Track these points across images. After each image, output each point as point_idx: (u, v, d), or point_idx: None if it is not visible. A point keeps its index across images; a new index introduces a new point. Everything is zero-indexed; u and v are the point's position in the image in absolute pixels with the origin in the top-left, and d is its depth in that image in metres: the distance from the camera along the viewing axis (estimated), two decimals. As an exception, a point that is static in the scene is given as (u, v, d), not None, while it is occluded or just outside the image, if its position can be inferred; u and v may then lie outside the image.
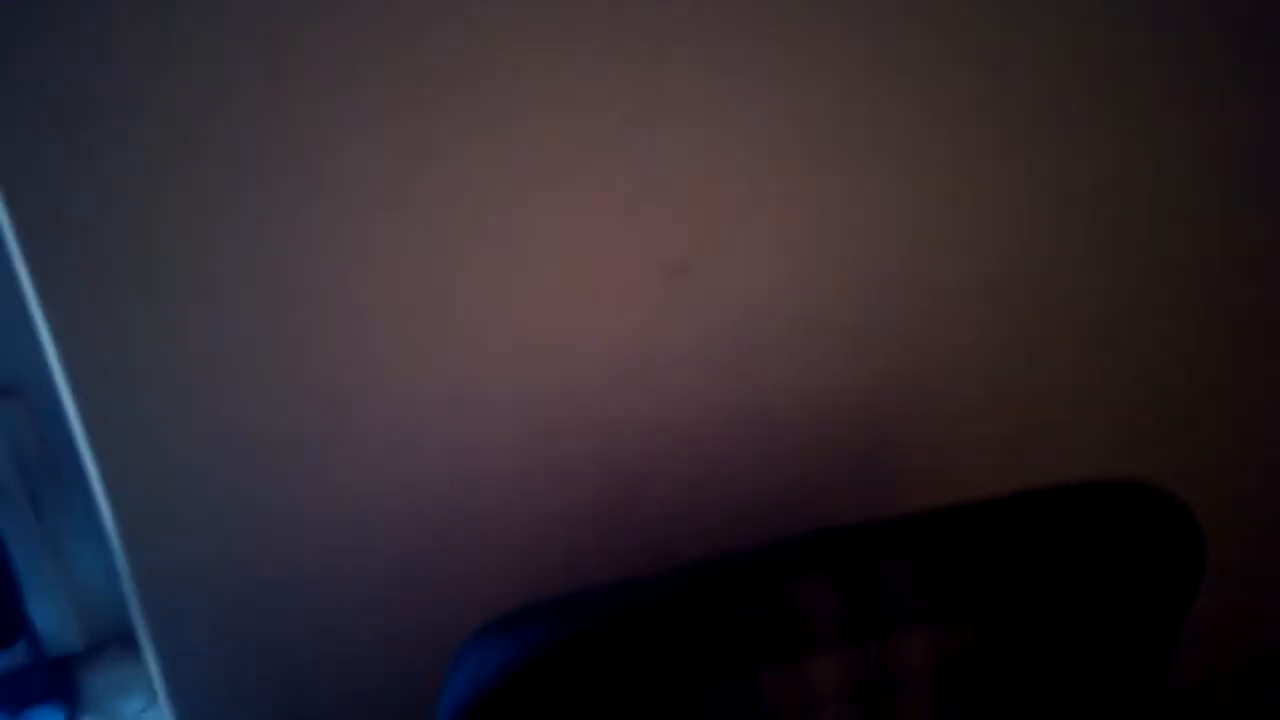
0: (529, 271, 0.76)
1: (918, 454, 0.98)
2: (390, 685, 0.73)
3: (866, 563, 0.71)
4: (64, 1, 0.58)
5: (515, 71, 0.69)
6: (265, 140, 0.65)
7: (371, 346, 0.75)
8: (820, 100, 0.78)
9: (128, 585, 0.78)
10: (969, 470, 1.00)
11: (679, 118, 0.74)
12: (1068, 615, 0.77)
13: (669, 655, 0.65)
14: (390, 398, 0.77)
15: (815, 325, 0.86)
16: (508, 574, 0.83)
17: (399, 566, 0.82)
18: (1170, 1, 0.86)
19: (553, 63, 0.69)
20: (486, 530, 0.83)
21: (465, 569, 0.83)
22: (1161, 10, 0.86)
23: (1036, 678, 0.76)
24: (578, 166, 0.73)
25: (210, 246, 0.67)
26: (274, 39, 0.62)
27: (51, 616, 0.88)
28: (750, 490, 0.90)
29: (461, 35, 0.66)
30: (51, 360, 0.70)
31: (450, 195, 0.71)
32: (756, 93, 0.76)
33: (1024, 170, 0.88)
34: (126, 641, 0.95)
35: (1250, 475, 1.17)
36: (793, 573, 0.69)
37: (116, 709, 0.86)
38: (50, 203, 0.63)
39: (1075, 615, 0.77)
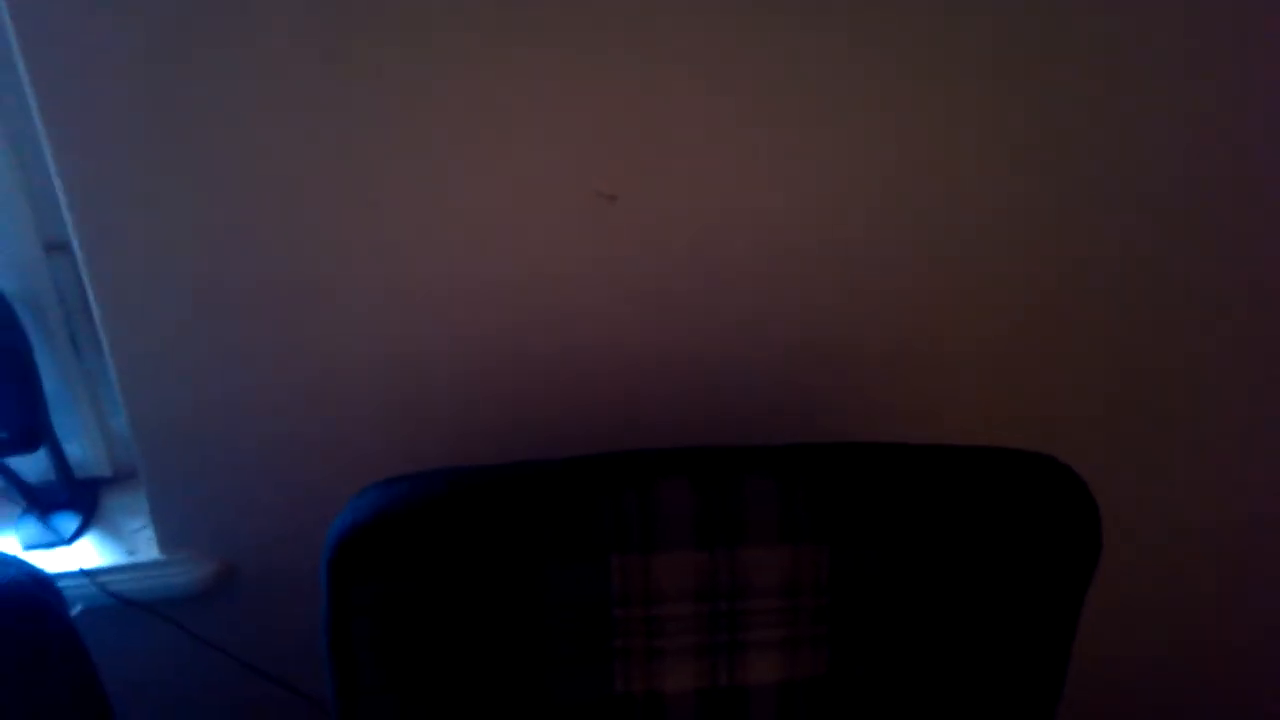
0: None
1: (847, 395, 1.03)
2: (318, 524, 0.84)
3: (733, 476, 0.76)
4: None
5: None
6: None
7: (344, 232, 0.86)
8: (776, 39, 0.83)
9: (125, 417, 0.92)
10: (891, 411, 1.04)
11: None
12: (944, 566, 0.80)
13: (525, 523, 0.73)
14: (358, 279, 0.89)
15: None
16: (433, 444, 0.95)
17: (344, 421, 0.95)
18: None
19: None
20: (420, 400, 0.95)
21: (393, 433, 0.96)
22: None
23: (898, 618, 0.80)
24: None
25: (205, 132, 0.80)
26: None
27: (85, 443, 1.04)
28: (672, 419, 0.97)
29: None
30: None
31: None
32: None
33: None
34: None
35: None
36: (658, 472, 0.75)
37: (121, 524, 1.02)
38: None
39: (953, 568, 0.81)
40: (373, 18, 0.77)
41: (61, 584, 0.94)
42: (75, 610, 0.93)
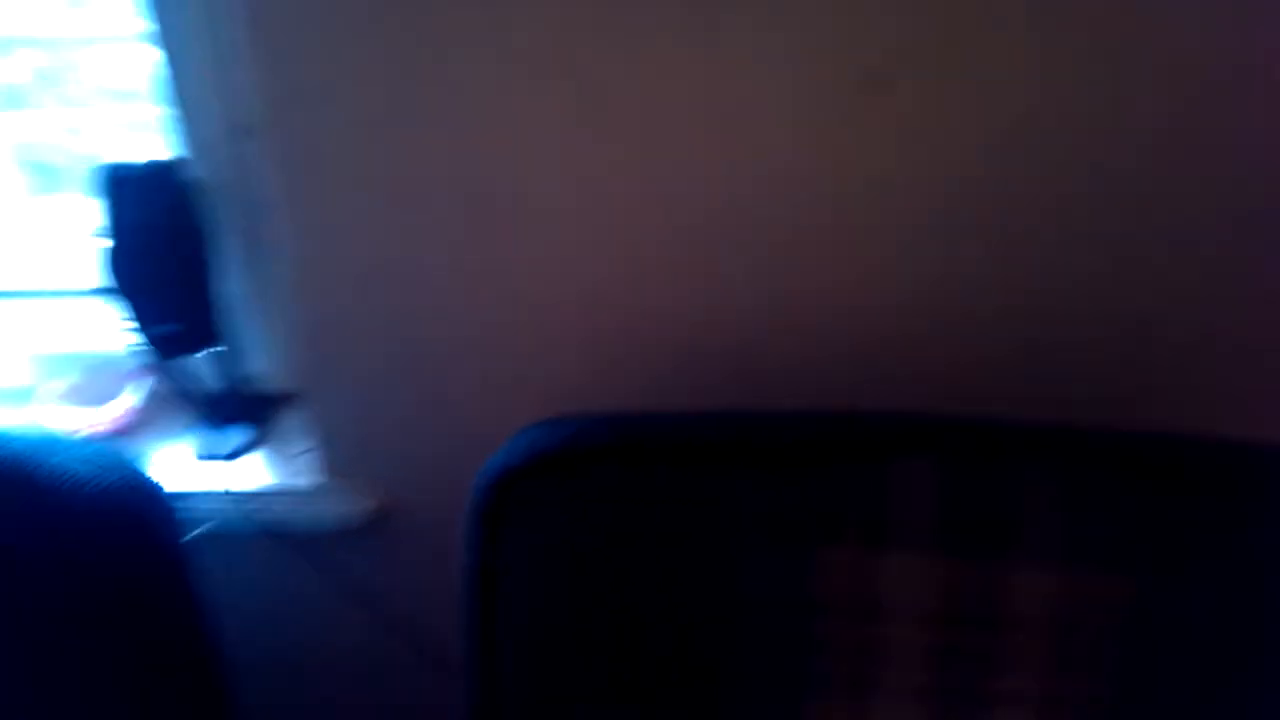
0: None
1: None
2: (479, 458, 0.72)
3: (1001, 462, 0.56)
4: None
5: None
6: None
7: (542, 146, 0.75)
8: None
9: (296, 325, 0.85)
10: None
11: None
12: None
13: (710, 488, 0.56)
14: (552, 196, 0.77)
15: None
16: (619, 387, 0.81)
17: (525, 357, 0.84)
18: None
19: None
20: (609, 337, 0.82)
21: (579, 371, 0.84)
22: None
23: (1210, 689, 0.56)
24: None
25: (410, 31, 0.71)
26: None
27: (264, 356, 0.97)
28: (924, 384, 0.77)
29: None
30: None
31: None
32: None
33: None
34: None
35: None
36: (895, 444, 0.56)
37: (291, 444, 0.94)
38: None
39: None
40: None
41: (212, 504, 0.90)
42: (204, 528, 0.87)
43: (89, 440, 0.71)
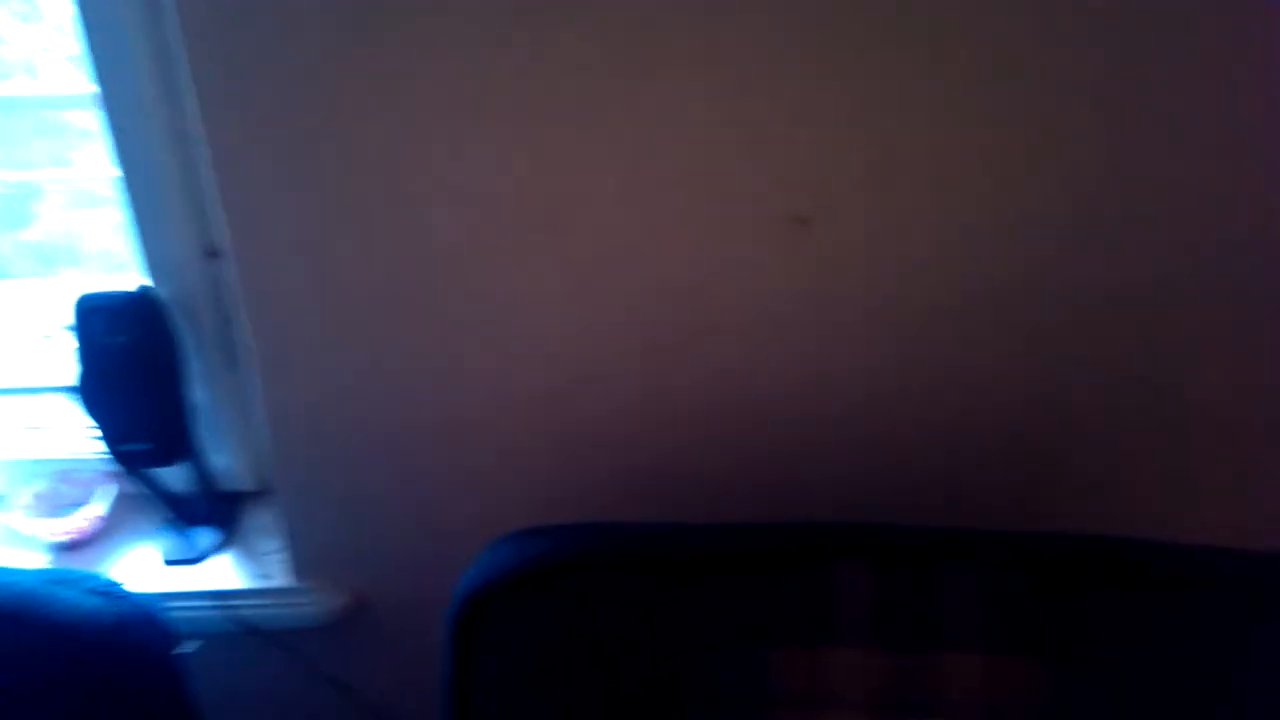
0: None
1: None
2: (455, 566, 0.77)
3: (927, 564, 0.63)
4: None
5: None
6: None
7: (493, 255, 0.80)
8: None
9: (267, 431, 0.88)
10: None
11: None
12: (1197, 697, 0.63)
13: (671, 598, 0.62)
14: (506, 303, 0.82)
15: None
16: (580, 492, 0.85)
17: (493, 458, 0.89)
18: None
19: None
20: (571, 443, 0.87)
21: (540, 477, 0.89)
22: None
23: None
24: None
25: (366, 144, 0.75)
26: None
27: (231, 456, 1.01)
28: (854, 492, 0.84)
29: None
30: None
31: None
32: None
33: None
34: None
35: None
36: (834, 551, 0.63)
37: (258, 544, 0.98)
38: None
39: (1207, 701, 0.63)
40: (553, 30, 0.71)
41: (188, 605, 0.93)
42: (195, 644, 0.89)
43: (90, 574, 0.75)
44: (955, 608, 0.62)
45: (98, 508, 0.99)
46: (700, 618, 0.63)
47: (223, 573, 0.96)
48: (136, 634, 0.69)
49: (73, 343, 0.87)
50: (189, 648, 0.86)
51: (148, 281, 0.89)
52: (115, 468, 0.94)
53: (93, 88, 0.82)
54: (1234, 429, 0.88)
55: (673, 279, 0.81)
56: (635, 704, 0.64)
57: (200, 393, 0.96)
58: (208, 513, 0.98)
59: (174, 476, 0.99)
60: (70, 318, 0.86)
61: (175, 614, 0.90)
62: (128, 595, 0.75)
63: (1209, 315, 0.82)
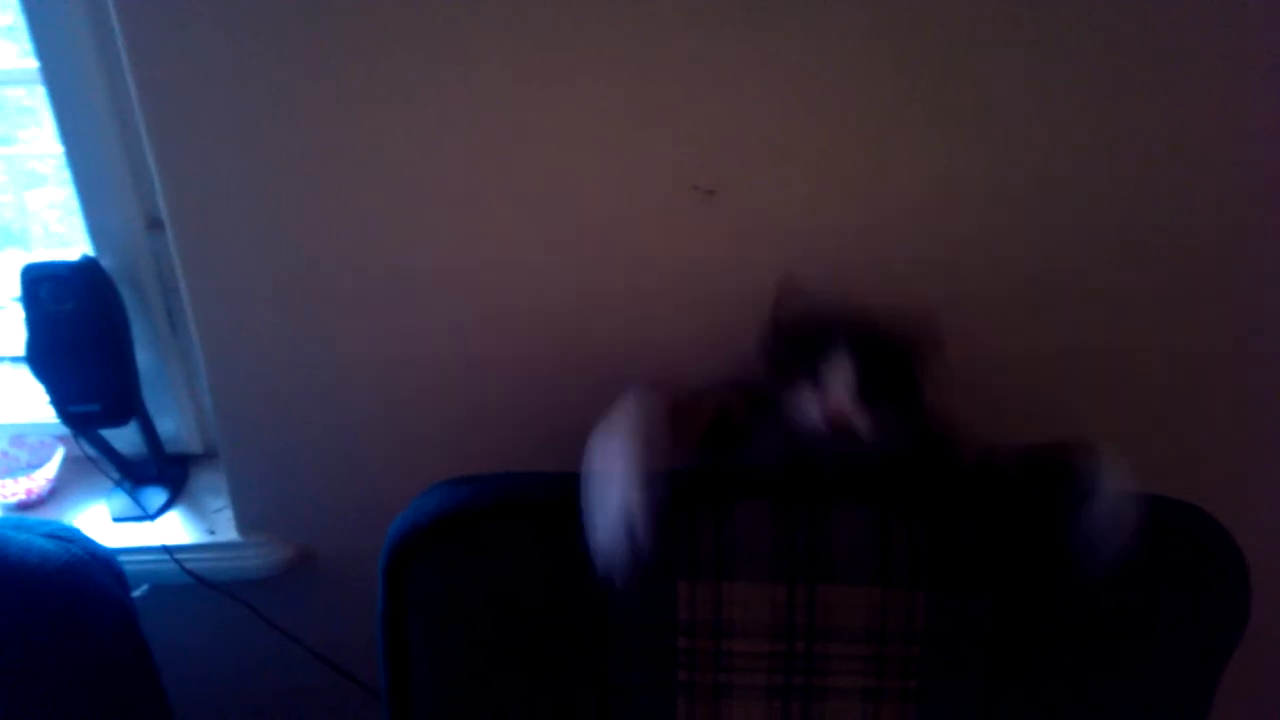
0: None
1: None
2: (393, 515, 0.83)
3: (820, 504, 0.70)
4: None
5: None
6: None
7: (432, 225, 0.84)
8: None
9: (209, 396, 0.92)
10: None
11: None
12: (1059, 624, 0.71)
13: (580, 543, 0.68)
14: (431, 270, 0.86)
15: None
16: (506, 441, 0.92)
17: (422, 412, 0.93)
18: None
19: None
20: (492, 399, 0.92)
21: (468, 427, 0.94)
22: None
23: (999, 678, 0.72)
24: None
25: (297, 118, 0.79)
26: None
27: (178, 419, 1.05)
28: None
29: None
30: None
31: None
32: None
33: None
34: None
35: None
36: (738, 492, 0.69)
37: (206, 502, 1.02)
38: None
39: (1070, 627, 0.72)
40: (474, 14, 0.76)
41: (139, 559, 0.97)
42: (143, 589, 0.95)
43: (44, 520, 0.80)
44: (846, 543, 0.69)
45: (48, 469, 1.03)
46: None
47: (171, 529, 1.00)
48: (89, 575, 0.73)
49: (21, 313, 0.90)
50: (137, 592, 0.91)
51: (92, 253, 0.93)
52: (66, 431, 0.98)
53: (33, 64, 0.85)
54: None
55: (581, 249, 0.86)
56: (552, 633, 0.71)
57: (147, 359, 1.00)
58: (156, 473, 1.03)
59: (123, 439, 1.03)
60: (17, 289, 0.90)
61: (126, 567, 0.95)
62: (81, 538, 0.79)
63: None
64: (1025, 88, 0.80)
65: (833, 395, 0.68)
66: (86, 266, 0.90)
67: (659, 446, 0.68)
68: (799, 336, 0.72)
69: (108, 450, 1.00)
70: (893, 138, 0.82)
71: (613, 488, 0.65)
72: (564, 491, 0.69)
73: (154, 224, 0.93)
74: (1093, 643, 0.72)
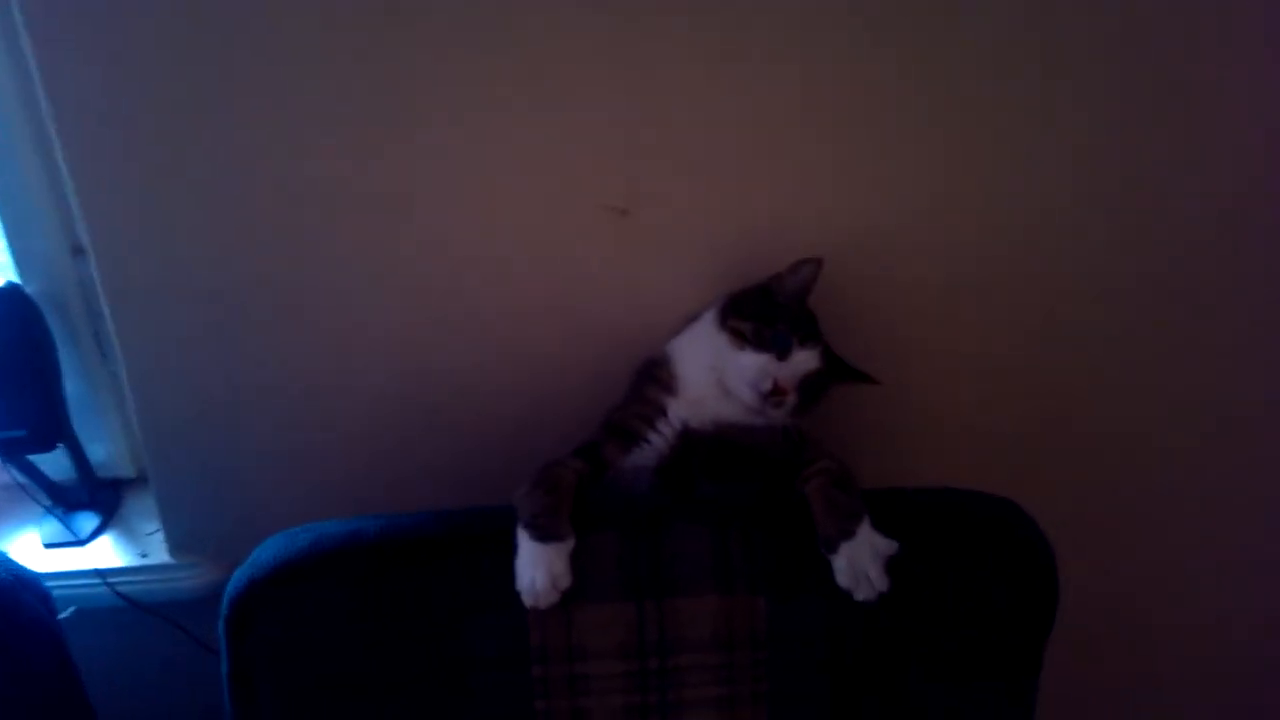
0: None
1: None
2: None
3: (662, 524, 0.71)
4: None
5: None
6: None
7: (340, 245, 0.86)
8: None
9: (135, 420, 0.93)
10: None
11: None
12: (891, 616, 0.73)
13: (433, 575, 0.70)
14: (356, 289, 0.88)
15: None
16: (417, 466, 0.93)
17: (339, 447, 0.95)
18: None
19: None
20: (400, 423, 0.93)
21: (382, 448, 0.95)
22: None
23: (843, 672, 0.73)
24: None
25: (216, 144, 0.81)
26: None
27: (108, 443, 1.07)
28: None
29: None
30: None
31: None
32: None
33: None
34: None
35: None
36: (585, 527, 0.71)
37: (138, 526, 1.03)
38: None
39: (900, 619, 0.74)
40: (388, 31, 0.77)
41: (71, 583, 0.98)
42: (69, 611, 0.95)
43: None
44: (688, 559, 0.70)
45: (-18, 495, 1.04)
46: (467, 589, 0.70)
47: (103, 553, 1.01)
48: (14, 596, 0.74)
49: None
50: (64, 614, 0.92)
51: (16, 280, 0.95)
52: (-2, 458, 0.99)
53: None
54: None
55: (501, 268, 0.87)
56: (404, 670, 0.71)
57: (77, 385, 1.02)
58: (88, 498, 1.04)
59: (55, 465, 1.04)
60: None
61: (57, 591, 0.96)
62: (5, 560, 0.81)
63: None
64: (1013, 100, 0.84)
65: (790, 371, 0.74)
66: (11, 292, 0.92)
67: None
68: (784, 308, 0.77)
69: (37, 476, 1.02)
70: (810, 161, 0.85)
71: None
72: (404, 532, 0.71)
73: (79, 250, 0.95)
74: (921, 631, 0.74)
